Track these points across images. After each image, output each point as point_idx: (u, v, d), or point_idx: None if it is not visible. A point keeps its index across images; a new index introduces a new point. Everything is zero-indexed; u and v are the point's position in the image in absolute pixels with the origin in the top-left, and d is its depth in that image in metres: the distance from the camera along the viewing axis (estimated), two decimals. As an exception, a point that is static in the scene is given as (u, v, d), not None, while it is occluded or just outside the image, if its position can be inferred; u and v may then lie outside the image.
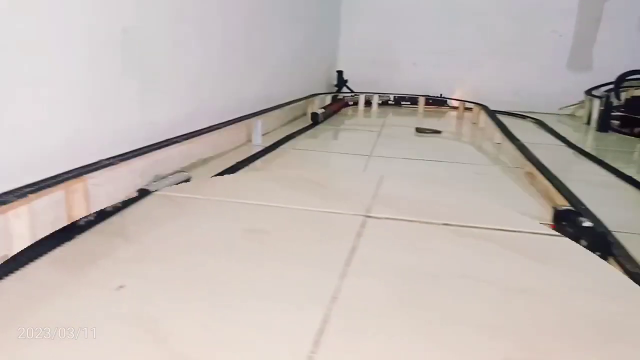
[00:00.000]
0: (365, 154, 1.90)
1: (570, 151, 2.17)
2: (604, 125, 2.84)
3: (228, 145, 1.72)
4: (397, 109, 3.41)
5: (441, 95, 3.46)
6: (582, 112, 3.24)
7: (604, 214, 1.24)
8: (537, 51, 3.52)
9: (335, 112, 2.90)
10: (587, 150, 2.11)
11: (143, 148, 1.19)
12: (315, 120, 2.44)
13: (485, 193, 1.45)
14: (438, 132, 2.45)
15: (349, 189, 1.27)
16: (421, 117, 3.15)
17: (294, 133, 2.12)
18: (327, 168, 1.69)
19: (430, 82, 3.56)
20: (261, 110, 1.98)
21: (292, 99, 2.47)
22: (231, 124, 1.71)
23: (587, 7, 3.44)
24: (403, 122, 2.90)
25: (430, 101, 3.42)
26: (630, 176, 1.63)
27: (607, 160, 1.87)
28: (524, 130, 2.77)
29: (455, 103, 3.37)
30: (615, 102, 2.98)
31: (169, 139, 1.31)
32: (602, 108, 2.87)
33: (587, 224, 0.96)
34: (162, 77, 1.32)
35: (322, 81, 3.33)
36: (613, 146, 2.50)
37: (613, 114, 2.88)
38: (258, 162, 1.62)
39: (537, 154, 1.68)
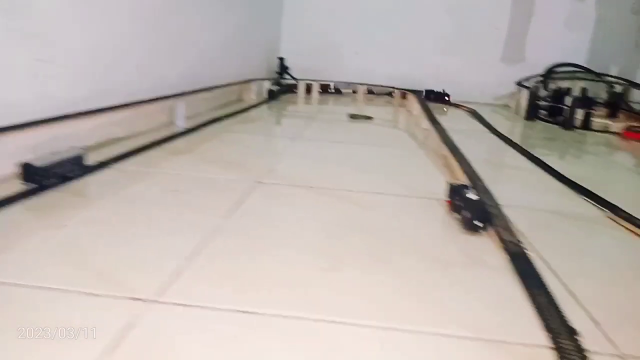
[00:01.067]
0: (292, 137, 1.90)
1: (493, 137, 2.25)
2: (531, 114, 2.96)
3: (145, 125, 1.67)
4: (338, 97, 3.42)
5: (393, 89, 3.51)
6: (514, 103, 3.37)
7: (503, 191, 1.29)
8: (473, 44, 3.62)
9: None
10: (508, 136, 2.19)
11: (31, 122, 1.13)
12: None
13: (394, 172, 1.48)
14: (370, 118, 2.48)
15: (254, 164, 1.43)
16: (361, 104, 3.18)
17: (222, 117, 2.08)
18: (246, 149, 1.67)
19: (372, 71, 3.59)
20: (184, 92, 1.93)
21: (225, 83, 2.43)
22: (147, 103, 1.65)
23: (520, 3, 3.57)
24: (341, 109, 2.91)
25: (371, 90, 3.46)
26: (539, 158, 1.71)
27: (525, 146, 1.95)
28: (455, 118, 2.86)
29: (393, 92, 3.42)
30: (542, 93, 3.12)
31: (67, 114, 1.25)
32: (530, 98, 3.00)
33: (471, 196, 0.99)
34: (60, 49, 1.26)
35: (262, 67, 3.30)
36: (535, 133, 2.61)
37: (540, 103, 3.00)
38: (180, 143, 1.59)
39: (460, 139, 1.72)
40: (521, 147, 1.91)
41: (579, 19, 3.54)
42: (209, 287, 0.69)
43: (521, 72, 3.49)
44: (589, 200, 1.27)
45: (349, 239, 0.91)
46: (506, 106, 3.52)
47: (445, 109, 3.15)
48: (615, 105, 3.10)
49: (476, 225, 0.95)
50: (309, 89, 3.34)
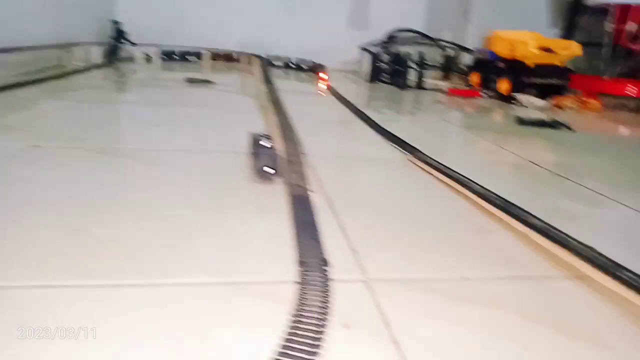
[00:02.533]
0: (115, 102, 1.71)
1: (331, 97, 2.28)
2: (374, 77, 3.09)
3: None
4: (183, 63, 3.21)
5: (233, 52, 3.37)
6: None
7: (320, 142, 1.28)
8: (321, 10, 3.64)
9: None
10: (345, 96, 2.23)
11: None
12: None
13: (210, 130, 1.39)
14: (210, 82, 2.35)
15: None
16: (206, 70, 3.01)
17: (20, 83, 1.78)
18: (42, 115, 1.44)
19: (219, 36, 3.43)
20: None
21: (34, 45, 2.09)
22: None
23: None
24: (182, 75, 2.72)
25: (217, 55, 3.30)
26: (363, 112, 1.75)
27: (358, 105, 1.99)
28: (298, 82, 2.87)
29: (239, 57, 3.31)
30: (384, 57, 3.26)
31: None
32: (372, 62, 3.12)
33: (264, 144, 0.95)
34: None
35: (90, 30, 2.94)
36: (373, 93, 2.72)
37: (382, 67, 3.14)
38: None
39: (298, 100, 1.69)
40: (351, 104, 1.95)
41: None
42: None
43: (366, 38, 3.60)
44: (396, 146, 1.31)
45: (110, 195, 0.80)
46: (356, 71, 3.62)
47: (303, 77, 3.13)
48: (448, 67, 3.38)
49: (266, 172, 0.90)
50: (149, 55, 3.08)
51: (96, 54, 2.77)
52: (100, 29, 3.04)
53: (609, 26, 2.74)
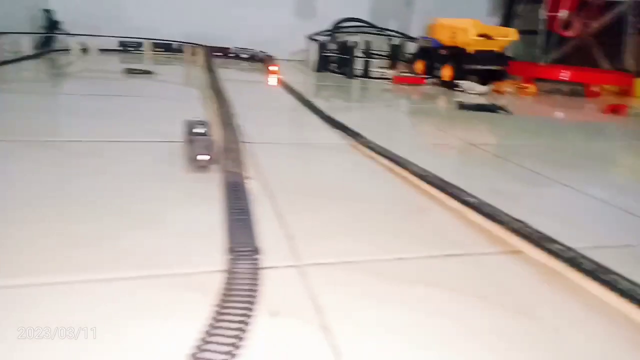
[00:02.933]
0: (47, 94, 1.59)
1: (279, 86, 2.24)
2: (321, 67, 3.07)
3: None
4: (123, 54, 3.06)
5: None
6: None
7: (263, 129, 1.25)
8: (267, 0, 3.58)
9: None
10: (291, 84, 2.20)
11: None
12: None
13: (144, 120, 1.32)
14: (149, 72, 2.25)
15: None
16: (148, 61, 2.88)
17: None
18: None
19: (163, 26, 3.29)
20: None
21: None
22: None
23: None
24: (120, 65, 2.60)
25: (160, 46, 3.17)
26: (309, 101, 1.73)
27: (304, 93, 1.96)
28: (244, 72, 2.81)
29: (182, 47, 3.19)
30: (331, 47, 3.25)
31: None
32: (319, 51, 3.10)
33: (198, 130, 0.91)
34: None
35: (20, 19, 2.74)
36: (319, 81, 2.71)
37: (329, 56, 3.12)
38: None
39: (244, 89, 1.64)
40: (297, 93, 1.92)
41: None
42: None
43: (313, 27, 3.57)
44: (340, 132, 1.30)
45: (33, 187, 0.74)
46: (303, 61, 3.59)
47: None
48: (394, 56, 3.42)
49: (200, 159, 0.86)
50: (85, 46, 2.91)
51: (27, 45, 2.58)
52: (31, 18, 2.84)
53: (543, 14, 2.86)
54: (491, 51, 2.62)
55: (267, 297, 0.49)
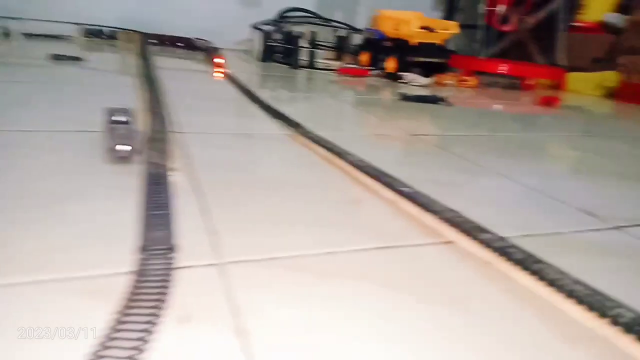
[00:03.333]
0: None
1: (220, 76, 2.16)
2: (265, 57, 3.00)
3: None
4: (51, 40, 2.84)
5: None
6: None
7: (197, 119, 1.18)
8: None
9: None
10: (234, 74, 2.13)
11: None
12: None
13: (78, 107, 1.22)
14: (78, 59, 2.09)
15: None
16: (79, 48, 2.70)
17: None
18: None
19: (96, 11, 3.09)
20: None
21: None
22: None
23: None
24: (47, 51, 2.41)
25: (92, 32, 2.98)
26: (249, 90, 1.67)
27: (247, 82, 1.90)
28: (184, 60, 2.69)
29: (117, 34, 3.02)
30: (276, 36, 3.18)
31: None
32: (264, 41, 3.02)
33: (119, 118, 0.83)
34: None
35: None
36: (264, 71, 2.65)
37: (274, 46, 3.06)
38: None
39: (183, 77, 1.55)
40: (239, 82, 1.85)
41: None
42: None
43: (257, 16, 3.48)
44: (280, 122, 1.26)
45: None
46: (248, 51, 3.50)
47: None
48: (340, 47, 3.40)
49: (120, 150, 0.79)
50: (8, 30, 2.68)
51: None
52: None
53: (482, 8, 2.93)
54: (433, 44, 2.66)
55: (179, 300, 0.44)
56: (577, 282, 0.47)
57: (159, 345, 0.38)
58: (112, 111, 0.87)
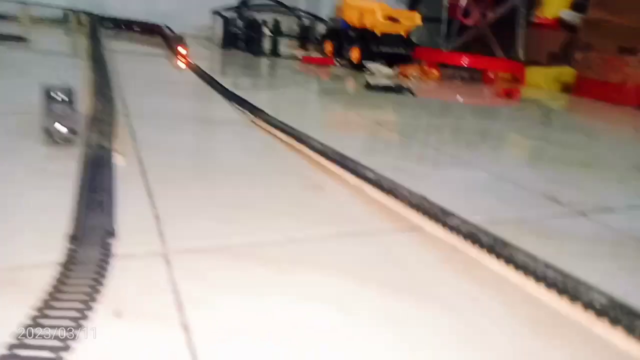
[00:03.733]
0: None
1: (178, 61, 2.06)
2: (227, 43, 2.91)
3: None
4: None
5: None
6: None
7: (149, 102, 1.11)
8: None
9: None
10: (194, 60, 2.04)
11: None
12: None
13: (17, 88, 1.12)
14: (22, 39, 1.95)
15: None
16: (25, 28, 2.52)
17: None
18: None
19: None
20: None
21: None
22: None
23: None
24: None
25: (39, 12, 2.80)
26: (209, 75, 1.60)
27: (205, 68, 1.82)
28: (139, 44, 2.58)
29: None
30: (239, 23, 3.09)
31: None
32: (225, 27, 2.93)
33: (56, 98, 0.75)
34: None
35: None
36: (224, 59, 2.57)
37: (237, 33, 2.97)
38: None
39: (138, 60, 1.45)
40: (198, 68, 1.77)
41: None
42: None
43: (219, 2, 3.37)
44: (240, 108, 1.20)
45: None
46: (209, 38, 3.39)
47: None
48: (304, 36, 3.34)
49: (57, 131, 0.72)
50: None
51: None
52: None
53: (446, 1, 2.94)
54: (398, 35, 2.65)
55: (115, 292, 0.39)
56: (548, 266, 0.44)
57: (89, 343, 0.33)
58: (51, 89, 0.79)
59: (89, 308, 0.36)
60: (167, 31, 2.84)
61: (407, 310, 0.43)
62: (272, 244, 0.52)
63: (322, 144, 0.84)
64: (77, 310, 0.35)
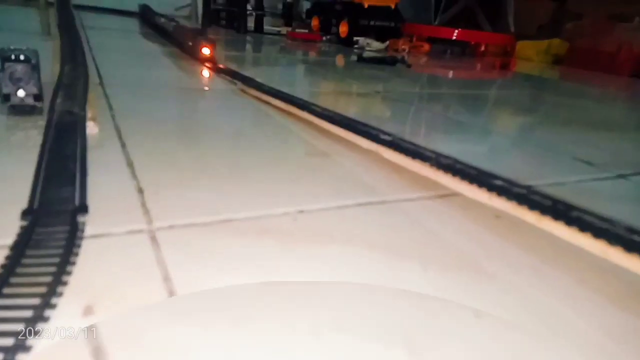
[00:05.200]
0: None
1: (158, 37, 1.93)
2: (207, 21, 2.76)
3: None
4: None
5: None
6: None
7: (128, 73, 0.99)
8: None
9: None
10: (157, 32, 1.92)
11: None
12: None
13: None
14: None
15: None
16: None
17: None
18: None
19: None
20: None
21: None
22: None
23: None
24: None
25: None
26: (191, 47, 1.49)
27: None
28: (122, 22, 2.44)
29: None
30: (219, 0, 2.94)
31: None
32: (205, 5, 2.78)
33: (16, 62, 0.64)
34: None
35: None
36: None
37: (218, 10, 2.83)
38: None
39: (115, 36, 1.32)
40: (176, 40, 1.65)
41: None
42: None
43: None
44: (228, 78, 1.09)
45: None
46: (190, 17, 3.23)
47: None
48: (288, 14, 3.21)
49: (17, 96, 0.61)
50: None
51: None
52: None
53: (435, -28, 2.84)
54: (387, 6, 2.54)
55: (86, 281, 0.29)
56: (633, 230, 0.36)
57: (45, 346, 0.24)
58: (10, 51, 0.68)
59: (49, 304, 0.26)
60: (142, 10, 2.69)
61: (458, 291, 0.34)
62: (282, 216, 0.43)
63: (324, 109, 0.74)
64: (31, 307, 0.26)
